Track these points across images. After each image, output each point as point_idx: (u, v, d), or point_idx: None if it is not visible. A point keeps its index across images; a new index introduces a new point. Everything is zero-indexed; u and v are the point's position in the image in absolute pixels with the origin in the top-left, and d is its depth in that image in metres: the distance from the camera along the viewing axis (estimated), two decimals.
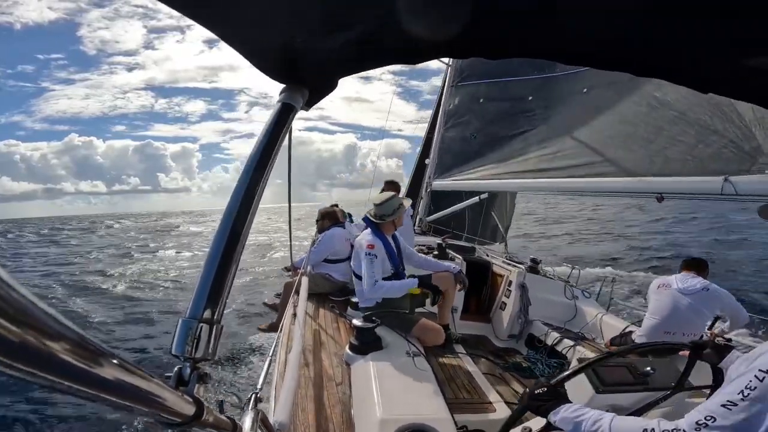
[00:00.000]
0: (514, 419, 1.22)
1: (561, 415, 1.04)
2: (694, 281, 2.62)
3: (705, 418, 0.76)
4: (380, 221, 2.66)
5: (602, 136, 3.75)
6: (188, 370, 0.53)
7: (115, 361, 0.30)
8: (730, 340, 2.70)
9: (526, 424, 1.38)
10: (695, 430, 0.77)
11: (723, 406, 0.75)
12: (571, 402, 1.08)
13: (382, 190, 4.48)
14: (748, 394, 0.73)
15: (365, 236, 2.64)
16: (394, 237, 2.78)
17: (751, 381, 0.74)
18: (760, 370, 0.74)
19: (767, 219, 0.97)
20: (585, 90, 4.14)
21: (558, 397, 1.11)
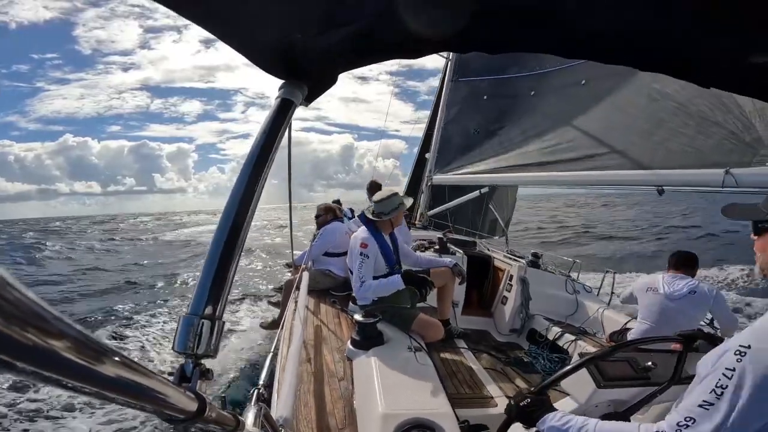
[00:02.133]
0: (506, 425, 1.22)
1: (548, 424, 1.05)
2: (681, 284, 2.59)
3: (685, 419, 0.76)
4: (377, 219, 2.65)
5: (602, 129, 3.73)
6: (190, 367, 0.53)
7: (117, 359, 0.30)
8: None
9: None
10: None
11: (700, 406, 0.76)
12: (555, 410, 1.09)
13: (370, 190, 4.50)
14: (721, 392, 0.74)
15: (360, 234, 2.64)
16: (391, 235, 2.77)
17: (720, 379, 0.75)
18: (726, 368, 0.75)
19: (731, 218, 0.96)
20: (583, 82, 4.12)
21: (542, 406, 1.12)
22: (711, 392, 0.75)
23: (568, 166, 3.86)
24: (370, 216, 2.67)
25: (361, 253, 2.53)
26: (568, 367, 1.33)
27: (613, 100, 3.75)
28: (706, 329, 2.72)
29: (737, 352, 0.75)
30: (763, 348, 0.72)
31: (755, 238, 0.90)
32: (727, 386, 0.74)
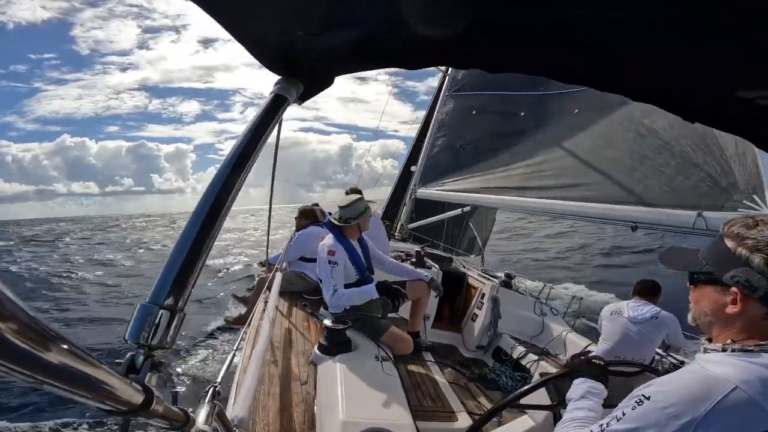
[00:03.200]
0: (546, 382, 1.24)
1: (583, 385, 1.07)
2: (644, 309, 2.72)
3: None
4: (344, 224, 2.60)
5: (588, 159, 3.82)
6: (141, 358, 0.50)
7: (61, 345, 0.28)
8: (682, 362, 2.83)
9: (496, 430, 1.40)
10: None
11: (600, 425, 0.78)
12: (605, 386, 1.10)
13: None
14: (620, 417, 0.75)
15: (327, 241, 2.55)
16: (360, 240, 2.71)
17: (611, 419, 0.77)
18: (622, 411, 0.76)
19: (668, 267, 0.94)
20: (576, 111, 4.20)
21: (602, 375, 1.12)
22: (613, 417, 0.77)
23: (549, 194, 3.93)
24: (337, 222, 2.61)
25: (329, 261, 2.46)
26: (553, 374, 1.37)
27: (602, 132, 3.84)
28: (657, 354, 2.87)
29: (637, 400, 0.75)
30: (658, 404, 0.72)
31: (691, 287, 0.88)
32: (608, 425, 0.76)
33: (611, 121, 3.78)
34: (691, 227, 2.71)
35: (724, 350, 0.76)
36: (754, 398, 0.66)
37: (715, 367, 0.73)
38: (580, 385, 1.07)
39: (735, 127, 0.84)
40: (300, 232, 3.93)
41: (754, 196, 2.63)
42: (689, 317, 0.90)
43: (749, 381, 0.68)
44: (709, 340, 0.83)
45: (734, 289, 0.76)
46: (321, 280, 2.59)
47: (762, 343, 0.73)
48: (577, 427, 0.94)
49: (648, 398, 0.73)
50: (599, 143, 3.81)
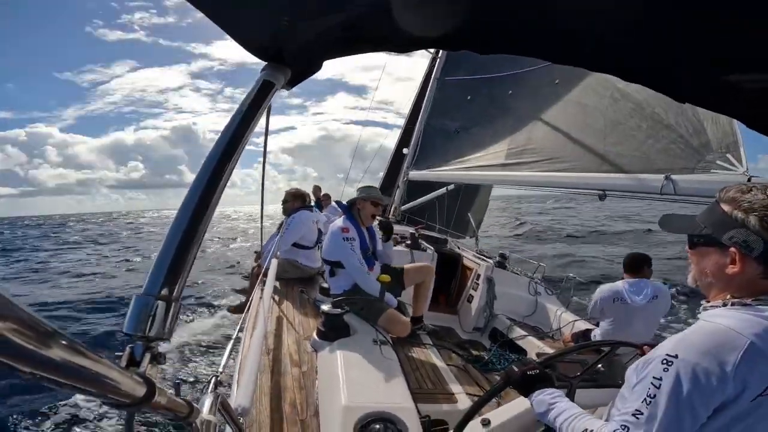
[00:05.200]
0: (491, 395, 1.24)
1: (541, 397, 1.06)
2: (644, 290, 2.75)
3: (621, 428, 0.80)
4: (358, 199, 2.68)
5: (567, 131, 3.75)
6: (140, 350, 0.50)
7: (60, 341, 0.28)
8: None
9: (486, 415, 1.43)
10: None
11: (633, 415, 0.79)
12: (555, 387, 1.10)
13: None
14: (650, 401, 0.77)
15: (338, 222, 2.64)
16: (369, 229, 2.78)
17: (649, 388, 0.79)
18: (654, 377, 0.79)
19: (668, 230, 1.00)
20: (557, 81, 4.11)
21: (546, 379, 1.13)
22: (642, 401, 0.79)
23: (530, 168, 3.92)
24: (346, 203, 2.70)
25: (345, 239, 2.51)
26: (580, 345, 1.39)
27: (580, 99, 3.75)
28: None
29: (664, 361, 0.78)
30: (688, 359, 0.75)
31: (690, 251, 0.93)
32: (655, 395, 0.77)
33: (588, 87, 3.68)
34: (659, 192, 2.60)
35: (724, 305, 0.82)
36: (762, 349, 0.73)
37: (722, 320, 0.79)
38: (541, 398, 1.07)
39: (726, 108, 0.85)
40: (293, 216, 3.83)
41: (728, 156, 2.48)
42: (689, 278, 0.95)
43: (760, 334, 0.74)
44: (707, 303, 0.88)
45: (733, 249, 0.81)
46: (326, 260, 2.64)
47: (761, 297, 0.79)
48: (582, 417, 0.95)
49: (675, 356, 0.77)
50: (576, 113, 3.73)
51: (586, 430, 0.89)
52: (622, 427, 0.80)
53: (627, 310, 2.76)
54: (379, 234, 2.89)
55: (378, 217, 2.96)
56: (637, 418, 0.78)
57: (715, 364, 0.73)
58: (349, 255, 2.51)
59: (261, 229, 2.28)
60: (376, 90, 10.23)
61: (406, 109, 8.94)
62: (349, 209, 2.71)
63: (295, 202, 3.96)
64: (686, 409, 0.75)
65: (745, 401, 0.74)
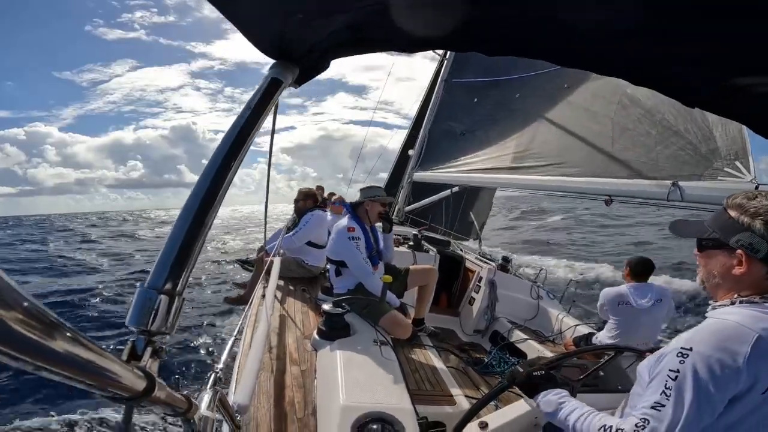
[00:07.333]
0: (492, 397, 1.24)
1: (548, 397, 1.07)
2: (648, 294, 2.76)
3: (642, 420, 0.81)
4: (362, 201, 2.70)
5: (574, 134, 3.75)
6: (142, 344, 0.50)
7: (65, 332, 0.28)
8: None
9: (483, 418, 1.42)
10: None
11: (653, 407, 0.81)
12: (560, 387, 1.11)
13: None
14: (669, 393, 0.80)
15: (343, 222, 2.65)
16: (372, 229, 2.80)
17: (666, 381, 0.81)
18: (670, 370, 0.81)
19: (679, 235, 1.03)
20: (566, 86, 4.11)
21: (551, 380, 1.14)
22: (661, 393, 0.81)
23: (536, 172, 3.91)
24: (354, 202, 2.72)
25: (351, 237, 2.53)
26: (582, 349, 1.37)
27: (589, 104, 3.75)
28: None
29: (680, 354, 0.81)
30: (703, 351, 0.79)
31: (698, 254, 0.97)
32: (672, 387, 0.80)
33: (596, 93, 3.68)
34: (666, 198, 2.58)
35: (732, 303, 0.86)
36: None
37: (730, 316, 0.83)
38: (549, 398, 1.07)
39: (734, 114, 0.84)
40: (311, 214, 3.82)
41: (737, 163, 2.48)
42: (698, 279, 0.99)
43: (767, 329, 0.78)
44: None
45: (739, 251, 0.85)
46: (330, 260, 2.66)
47: (767, 295, 0.84)
48: (596, 414, 0.95)
49: (690, 349, 0.80)
50: (584, 118, 3.74)
51: (604, 426, 0.89)
52: (643, 419, 0.81)
53: (632, 312, 2.77)
54: (379, 229, 2.90)
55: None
56: (658, 410, 0.80)
57: (728, 356, 0.76)
58: (354, 254, 2.53)
59: (265, 226, 2.27)
60: (382, 91, 10.24)
61: (407, 109, 8.95)
62: (355, 209, 2.72)
63: (307, 201, 3.98)
64: (704, 399, 0.77)
65: (757, 393, 0.77)
